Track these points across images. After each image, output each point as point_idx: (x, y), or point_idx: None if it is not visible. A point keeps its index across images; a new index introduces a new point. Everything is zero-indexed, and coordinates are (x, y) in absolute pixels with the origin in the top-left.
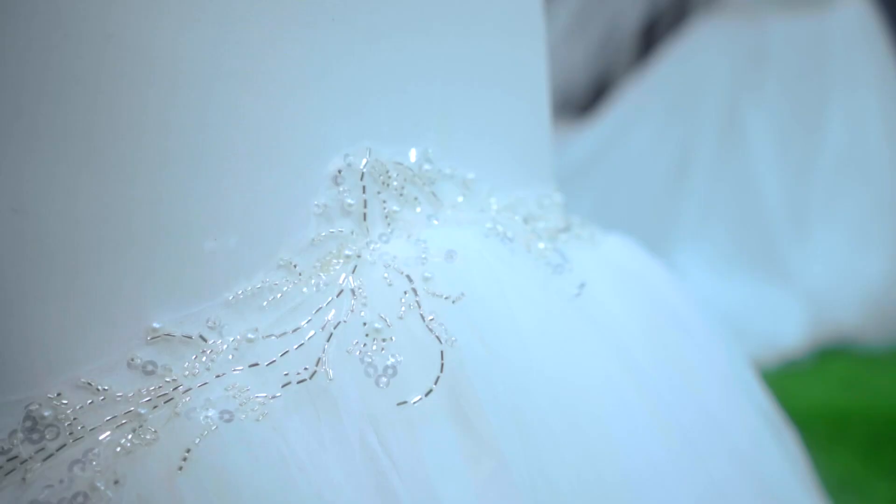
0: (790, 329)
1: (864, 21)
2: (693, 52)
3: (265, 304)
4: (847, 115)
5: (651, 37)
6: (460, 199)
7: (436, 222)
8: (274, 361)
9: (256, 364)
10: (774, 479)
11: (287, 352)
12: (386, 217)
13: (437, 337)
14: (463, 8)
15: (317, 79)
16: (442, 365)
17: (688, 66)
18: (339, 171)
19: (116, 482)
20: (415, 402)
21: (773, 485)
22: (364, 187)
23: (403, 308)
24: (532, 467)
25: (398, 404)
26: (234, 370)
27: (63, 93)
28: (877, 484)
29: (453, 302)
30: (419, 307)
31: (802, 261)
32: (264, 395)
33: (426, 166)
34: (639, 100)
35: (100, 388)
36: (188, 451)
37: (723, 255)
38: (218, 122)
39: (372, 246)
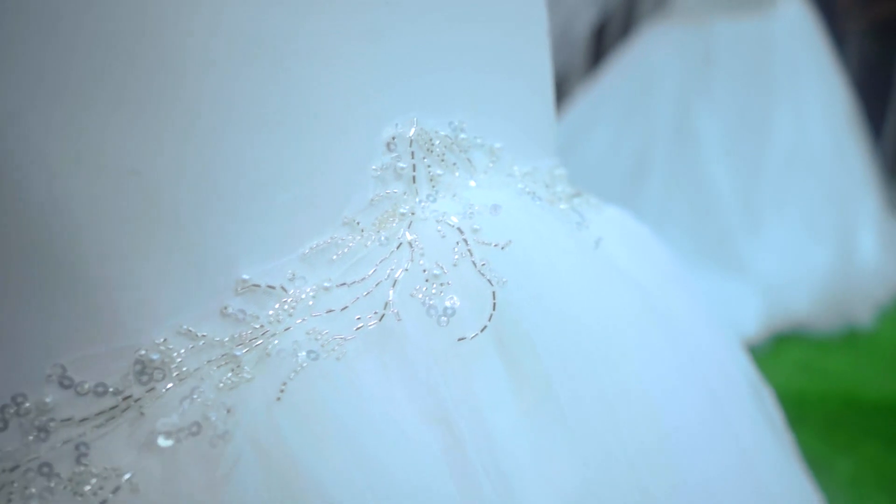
0: (747, 318)
1: (803, 21)
2: (644, 55)
3: (335, 257)
4: (792, 113)
5: (601, 40)
6: (490, 165)
7: (472, 184)
8: (347, 307)
9: (332, 310)
10: (764, 446)
11: (357, 298)
12: (431, 180)
13: (489, 280)
14: (485, 3)
15: (373, 57)
16: (494, 304)
17: (639, 70)
18: (393, 138)
19: (228, 411)
20: (472, 338)
21: (767, 451)
22: (412, 153)
23: (456, 256)
24: (569, 399)
25: (458, 340)
26: (313, 316)
27: (168, 71)
28: (836, 460)
29: (502, 248)
30: (471, 255)
31: (756, 254)
32: (341, 337)
33: (462, 135)
34: (594, 103)
35: (199, 334)
36: (284, 385)
37: (680, 252)
38: (294, 94)
39: (422, 204)
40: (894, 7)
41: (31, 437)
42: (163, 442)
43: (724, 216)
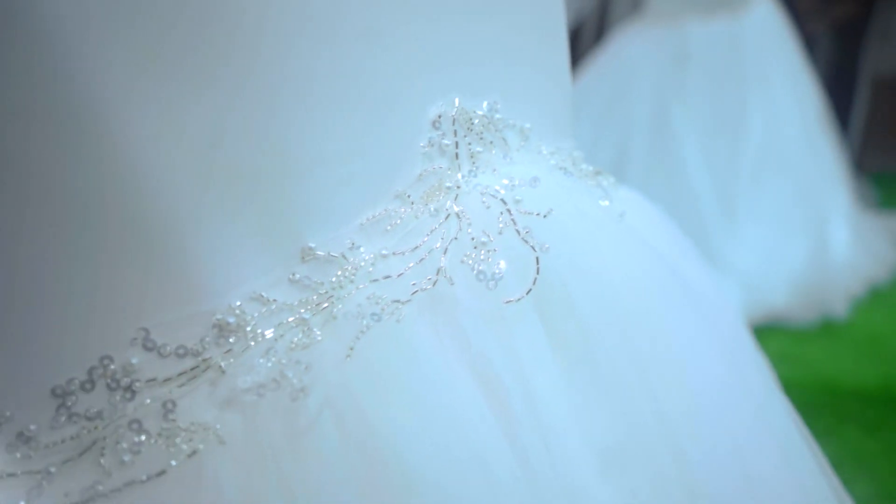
0: None
1: (773, 21)
2: (620, 56)
3: (388, 228)
4: (764, 111)
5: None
6: (522, 144)
7: (508, 161)
8: (402, 274)
9: (389, 276)
10: None
11: (412, 265)
12: (471, 156)
13: (532, 247)
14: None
15: (419, 40)
16: (537, 269)
17: (616, 71)
18: (439, 116)
19: (306, 367)
20: (518, 300)
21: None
22: (455, 131)
23: (501, 225)
24: (605, 360)
25: (505, 302)
26: (372, 282)
27: (243, 50)
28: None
29: (543, 217)
30: (514, 224)
31: (733, 249)
32: (398, 301)
33: (497, 115)
34: (574, 104)
35: (270, 299)
36: (352, 345)
37: None
38: (354, 74)
39: (465, 179)
40: (852, 9)
41: (117, 397)
42: (244, 398)
43: (701, 212)
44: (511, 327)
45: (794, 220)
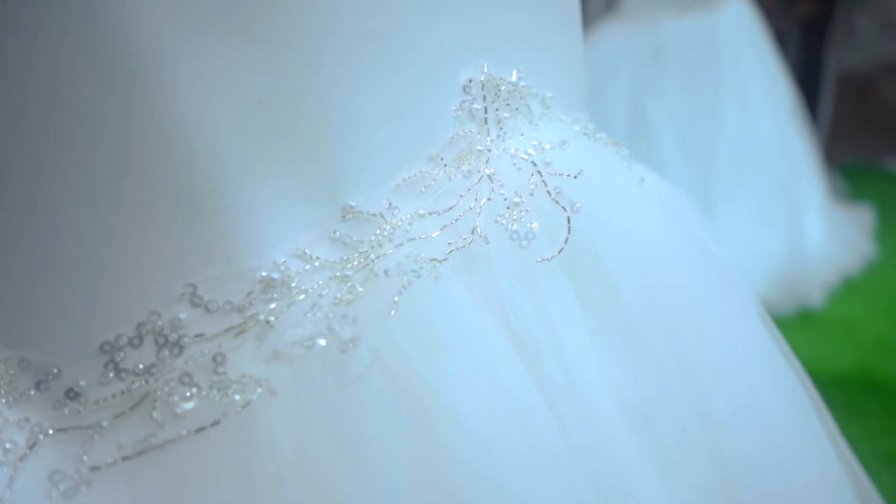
0: None
1: (746, 18)
2: (596, 54)
3: (423, 189)
4: (739, 106)
5: None
6: (544, 112)
7: (532, 127)
8: (439, 233)
9: (425, 236)
10: None
11: (447, 225)
12: (498, 122)
13: (563, 206)
14: None
15: (456, 7)
16: (569, 228)
17: (593, 68)
18: (470, 81)
19: (353, 320)
20: (551, 259)
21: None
22: (484, 96)
23: (532, 186)
24: (634, 318)
25: (538, 261)
26: (409, 241)
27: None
28: None
29: (574, 177)
30: (545, 185)
31: (711, 241)
32: (435, 260)
33: (522, 83)
34: None
35: (312, 256)
36: (395, 301)
37: None
38: (393, 39)
39: (494, 143)
40: (813, 7)
41: (166, 352)
42: (292, 351)
43: None
44: (542, 286)
45: (770, 212)
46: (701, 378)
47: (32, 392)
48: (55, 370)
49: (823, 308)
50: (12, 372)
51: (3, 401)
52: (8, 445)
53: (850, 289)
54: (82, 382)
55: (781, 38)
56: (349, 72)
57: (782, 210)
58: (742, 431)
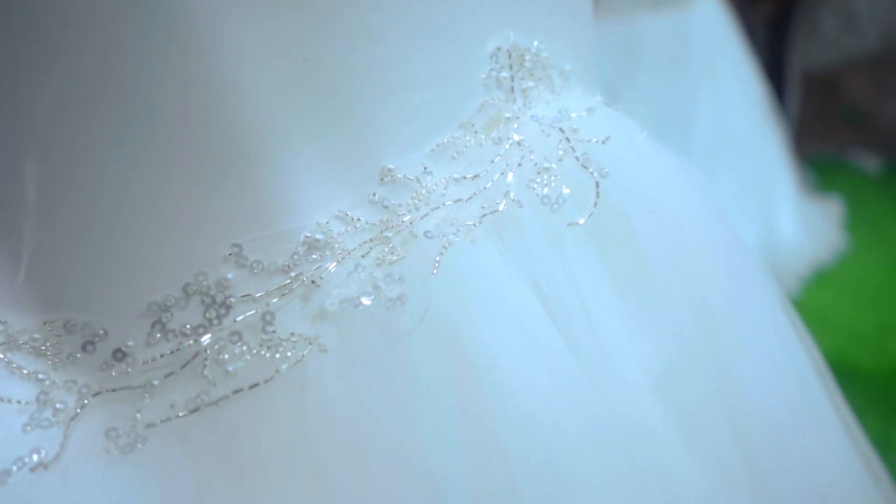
0: None
1: (718, 14)
2: None
3: (455, 154)
4: (713, 102)
5: None
6: (563, 84)
7: (556, 97)
8: (472, 198)
9: (460, 200)
10: None
11: (480, 190)
12: (524, 91)
13: (592, 172)
14: None
15: None
16: (597, 193)
17: None
18: (498, 49)
19: (399, 279)
20: (581, 223)
21: None
22: (510, 65)
23: (561, 152)
24: (660, 283)
25: (568, 225)
26: (445, 205)
27: None
28: None
29: (602, 143)
30: (573, 151)
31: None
32: (470, 223)
33: (544, 54)
34: None
35: (354, 217)
36: (437, 261)
37: None
38: (433, 4)
39: (521, 111)
40: (775, 6)
41: (213, 313)
42: (338, 310)
43: None
44: (571, 250)
45: (744, 206)
46: (722, 344)
47: (79, 354)
48: (101, 331)
49: (797, 298)
50: (58, 334)
51: (50, 363)
52: (58, 406)
53: (822, 279)
54: (130, 343)
55: (750, 35)
56: (389, 37)
57: (755, 203)
58: (761, 397)
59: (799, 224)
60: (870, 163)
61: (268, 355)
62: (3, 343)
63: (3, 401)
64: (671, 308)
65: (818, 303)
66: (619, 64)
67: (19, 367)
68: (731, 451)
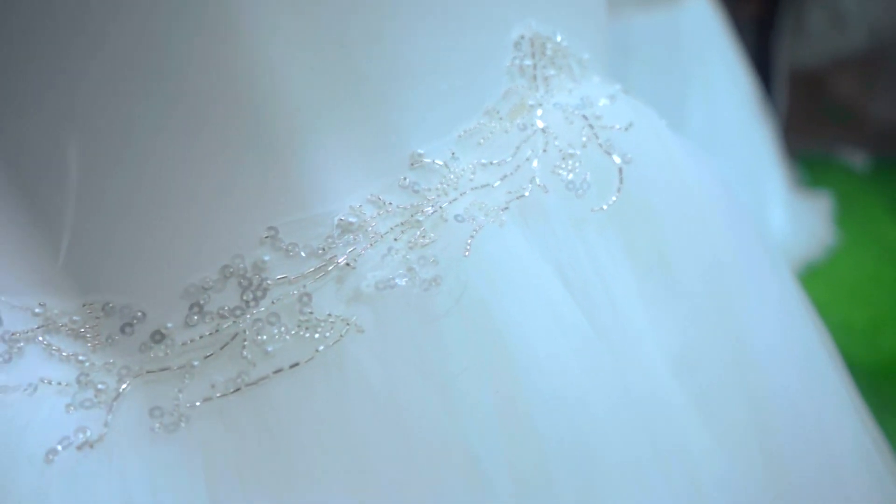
0: None
1: (708, 13)
2: None
3: (481, 141)
4: (703, 98)
5: None
6: (582, 73)
7: (577, 85)
8: (499, 183)
9: (487, 185)
10: None
11: (507, 175)
12: (546, 79)
13: (615, 158)
14: None
15: None
16: (621, 178)
17: None
18: (522, 37)
19: (433, 261)
20: (605, 209)
21: None
22: (533, 53)
23: (584, 138)
24: (679, 267)
25: (592, 210)
26: (473, 189)
27: None
28: None
29: (625, 130)
30: (597, 137)
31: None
32: (498, 208)
33: (564, 43)
34: None
35: (385, 201)
36: (468, 244)
37: None
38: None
39: (544, 98)
40: (761, 5)
41: (250, 295)
42: (372, 292)
43: None
44: (595, 235)
45: None
46: (740, 329)
47: (117, 336)
48: (140, 313)
49: None
50: (97, 317)
51: (89, 345)
52: (100, 387)
53: (813, 275)
54: (169, 325)
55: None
56: (420, 23)
57: (746, 199)
58: (778, 381)
59: (789, 220)
60: (857, 159)
61: (307, 336)
62: (42, 326)
63: (43, 382)
64: (691, 293)
65: (810, 298)
66: (610, 63)
67: (58, 350)
68: (748, 433)
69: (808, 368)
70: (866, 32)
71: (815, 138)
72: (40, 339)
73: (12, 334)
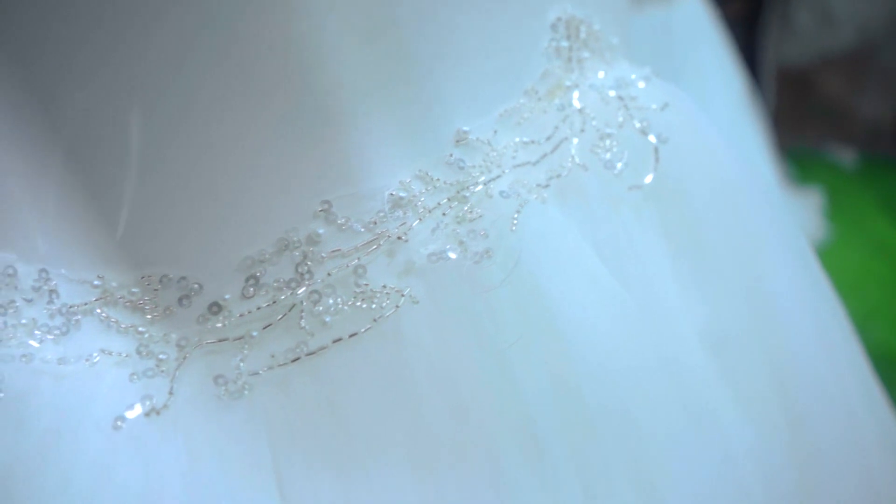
0: None
1: (701, 11)
2: None
3: (520, 120)
4: (697, 95)
5: None
6: (612, 57)
7: (610, 68)
8: (539, 161)
9: (528, 163)
10: None
11: (546, 154)
12: (580, 61)
13: (651, 138)
14: None
15: None
16: (657, 158)
17: None
18: (559, 19)
19: (483, 234)
20: (641, 187)
21: None
22: (568, 35)
23: (621, 119)
24: (711, 244)
25: (629, 189)
26: (515, 167)
27: None
28: None
29: (661, 110)
30: (633, 118)
31: None
32: (539, 185)
33: (596, 27)
34: None
35: (433, 177)
36: (515, 218)
37: None
38: None
39: (580, 79)
40: (746, 4)
41: (305, 267)
42: (424, 265)
43: None
44: (631, 214)
45: None
46: (768, 308)
47: (175, 308)
48: (196, 286)
49: None
50: (155, 289)
51: (148, 317)
52: (161, 356)
53: None
54: (227, 296)
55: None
56: (468, 3)
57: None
58: (807, 363)
59: None
60: (846, 156)
61: (363, 306)
62: (100, 298)
63: (103, 353)
64: (721, 273)
65: None
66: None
67: (117, 322)
68: (774, 408)
69: (832, 349)
70: (854, 30)
71: (804, 135)
72: (98, 311)
73: (70, 307)
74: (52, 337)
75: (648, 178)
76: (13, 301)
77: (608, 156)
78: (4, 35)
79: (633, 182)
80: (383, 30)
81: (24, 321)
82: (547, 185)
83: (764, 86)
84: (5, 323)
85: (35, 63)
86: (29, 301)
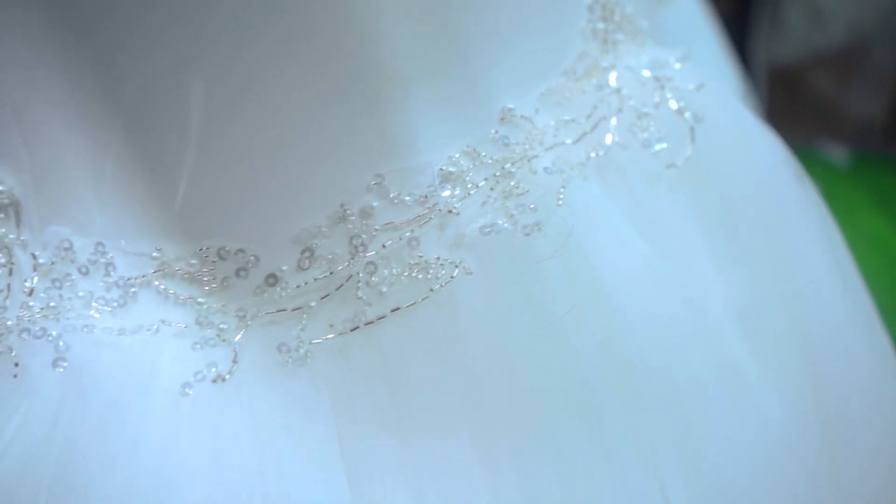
0: None
1: (697, 8)
2: None
3: (560, 100)
4: None
5: None
6: (643, 39)
7: (643, 50)
8: (579, 140)
9: (568, 141)
10: None
11: (585, 133)
12: (615, 43)
13: (687, 118)
14: None
15: None
16: (693, 137)
17: None
18: (595, 0)
19: (531, 208)
20: (678, 166)
21: None
22: (604, 17)
23: (657, 98)
24: (744, 223)
25: (666, 167)
26: (556, 145)
27: None
28: None
29: (696, 90)
30: (669, 98)
31: None
32: (580, 163)
33: (629, 10)
34: None
35: (480, 153)
36: (561, 193)
37: None
38: None
39: (616, 60)
40: (731, 4)
41: (358, 241)
42: (475, 238)
43: None
44: (666, 193)
45: None
46: (798, 288)
47: (232, 279)
48: (253, 258)
49: None
50: (213, 261)
51: (206, 288)
52: (223, 326)
53: None
54: (284, 268)
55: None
56: None
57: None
58: (833, 344)
59: None
60: (837, 153)
61: (419, 277)
62: (158, 270)
63: (163, 324)
64: (753, 252)
65: None
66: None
67: (175, 294)
68: (803, 385)
69: (857, 325)
70: (844, 28)
71: (796, 133)
72: (156, 283)
73: (127, 280)
74: (109, 309)
75: (684, 158)
76: (69, 275)
77: (645, 135)
78: (66, 9)
79: (669, 161)
80: (434, 8)
81: (81, 293)
82: (587, 163)
83: (755, 84)
84: (62, 296)
85: (95, 36)
86: (85, 274)
